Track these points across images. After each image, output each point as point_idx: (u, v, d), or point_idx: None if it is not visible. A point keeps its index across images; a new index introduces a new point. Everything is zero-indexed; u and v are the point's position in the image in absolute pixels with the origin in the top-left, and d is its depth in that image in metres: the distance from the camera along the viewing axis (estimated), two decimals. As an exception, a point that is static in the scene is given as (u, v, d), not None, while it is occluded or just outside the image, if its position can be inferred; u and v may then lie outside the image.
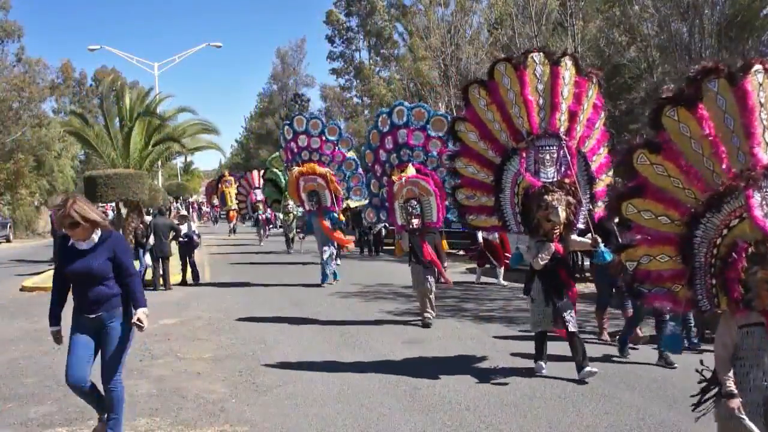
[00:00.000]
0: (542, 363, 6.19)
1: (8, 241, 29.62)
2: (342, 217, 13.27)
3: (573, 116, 5.91)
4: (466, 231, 20.30)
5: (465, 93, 6.36)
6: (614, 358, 6.75)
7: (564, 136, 5.85)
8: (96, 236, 4.30)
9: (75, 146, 46.92)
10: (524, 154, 5.91)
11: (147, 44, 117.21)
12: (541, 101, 5.88)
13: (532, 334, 6.45)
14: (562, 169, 5.90)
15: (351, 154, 13.16)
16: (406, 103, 9.29)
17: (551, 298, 5.98)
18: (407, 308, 10.03)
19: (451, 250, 20.29)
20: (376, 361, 6.76)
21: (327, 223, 12.55)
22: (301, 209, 16.64)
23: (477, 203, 6.52)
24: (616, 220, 6.93)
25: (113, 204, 20.97)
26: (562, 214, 5.70)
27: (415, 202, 8.55)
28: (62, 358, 7.07)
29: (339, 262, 14.26)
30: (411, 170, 8.72)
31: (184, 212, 14.28)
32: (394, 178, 8.77)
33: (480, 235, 12.74)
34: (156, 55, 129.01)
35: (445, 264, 8.89)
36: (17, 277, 14.73)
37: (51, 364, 6.85)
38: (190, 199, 56.91)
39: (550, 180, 5.84)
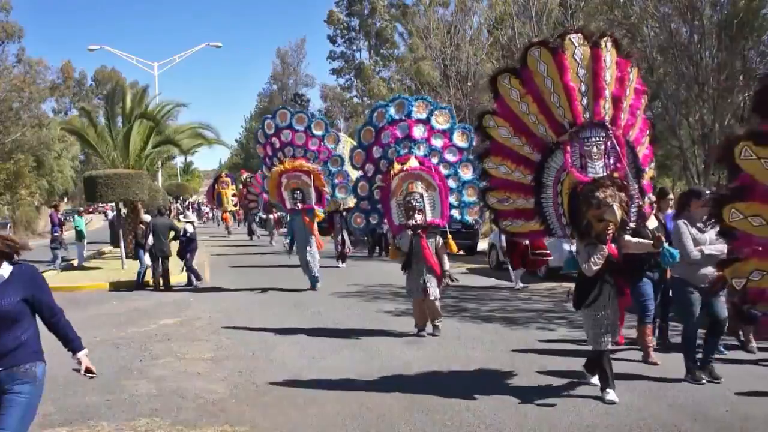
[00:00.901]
0: (613, 391, 5.29)
1: (8, 241, 29.57)
2: (320, 215, 12.41)
3: (617, 103, 5.39)
4: (466, 231, 20.27)
5: (493, 84, 5.78)
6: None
7: (610, 126, 5.32)
8: (5, 271, 3.36)
9: (75, 146, 47.05)
10: (568, 148, 5.33)
11: (147, 44, 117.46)
12: (583, 88, 5.32)
13: (530, 330, 6.44)
14: (611, 162, 5.33)
15: (340, 150, 12.65)
16: (406, 96, 8.67)
17: (609, 308, 5.33)
18: (406, 308, 10.01)
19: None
20: (376, 361, 6.76)
21: (314, 224, 11.93)
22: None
23: (512, 207, 5.95)
24: (653, 223, 6.57)
25: (113, 204, 21.07)
26: (618, 212, 5.10)
27: (419, 196, 7.85)
28: (62, 358, 7.09)
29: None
30: (414, 162, 8.01)
31: (192, 217, 14.13)
32: (393, 170, 8.02)
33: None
34: (156, 55, 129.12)
35: (447, 269, 8.10)
36: (17, 277, 14.69)
37: (51, 364, 6.81)
38: (190, 199, 56.96)
39: (600, 175, 5.27)
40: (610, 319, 5.34)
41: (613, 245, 5.28)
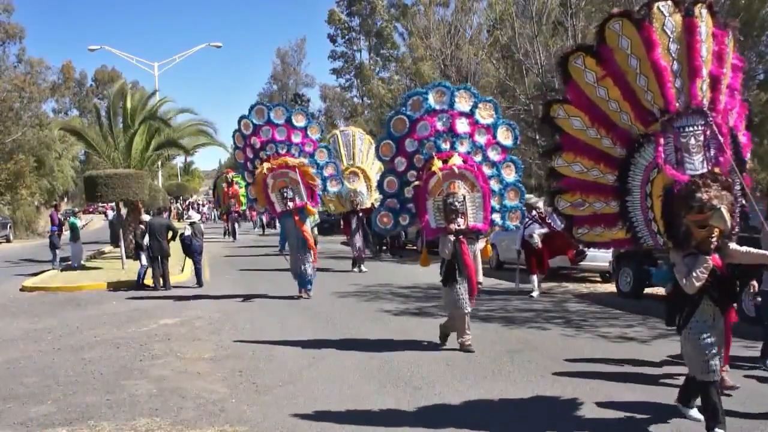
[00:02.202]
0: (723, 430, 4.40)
1: (8, 241, 29.64)
2: (313, 211, 11.24)
3: (715, 83, 4.51)
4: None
5: (563, 66, 4.90)
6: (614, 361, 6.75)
7: (709, 111, 4.44)
8: None
9: (75, 147, 47.06)
10: (660, 140, 4.46)
11: (147, 44, 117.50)
12: (676, 66, 4.44)
13: (530, 329, 6.44)
14: (712, 155, 4.44)
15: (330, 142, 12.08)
16: (446, 83, 7.70)
17: (715, 330, 4.48)
18: (407, 308, 10.03)
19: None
20: (375, 361, 6.76)
21: (306, 225, 10.74)
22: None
23: (589, 211, 5.14)
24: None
25: (113, 204, 21.09)
26: (728, 217, 4.22)
27: (462, 198, 6.98)
28: (62, 357, 7.11)
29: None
30: (457, 159, 7.13)
31: (195, 217, 14.02)
32: (434, 168, 7.05)
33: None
34: (156, 55, 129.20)
35: (481, 281, 7.43)
36: (17, 277, 14.73)
37: (51, 364, 6.86)
38: (190, 199, 56.96)
39: (700, 171, 4.39)
40: (717, 342, 4.46)
41: (716, 255, 4.42)
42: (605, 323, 8.77)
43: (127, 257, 16.30)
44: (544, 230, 11.00)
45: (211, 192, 43.02)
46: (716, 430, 4.38)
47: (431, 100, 7.31)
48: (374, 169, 15.59)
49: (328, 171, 11.32)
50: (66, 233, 17.14)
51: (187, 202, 49.83)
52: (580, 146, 5.00)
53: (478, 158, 7.34)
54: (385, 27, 43.90)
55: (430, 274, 14.30)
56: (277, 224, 24.45)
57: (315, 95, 79.87)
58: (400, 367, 6.52)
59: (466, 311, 7.09)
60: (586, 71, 4.78)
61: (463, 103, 7.34)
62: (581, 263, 12.89)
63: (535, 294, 10.93)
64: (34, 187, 35.86)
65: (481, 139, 7.39)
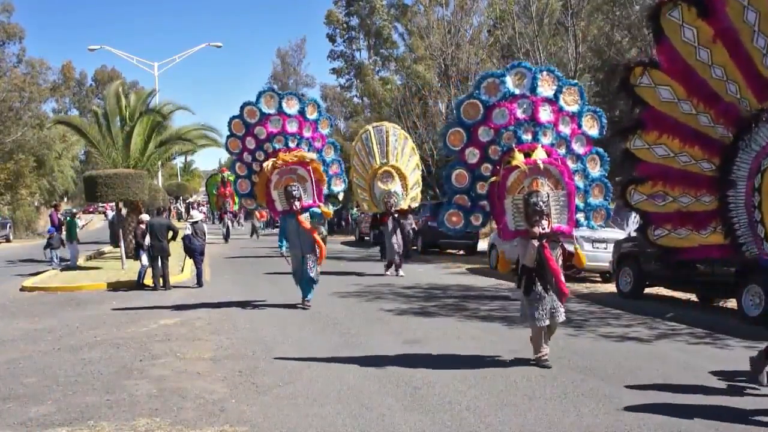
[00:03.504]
0: None
1: (8, 241, 29.65)
2: (329, 213, 10.58)
3: None
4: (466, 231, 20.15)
5: (655, 20, 3.96)
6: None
7: None
8: None
9: (76, 147, 47.08)
10: None
11: (147, 44, 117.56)
12: None
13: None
14: None
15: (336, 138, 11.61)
16: (526, 63, 6.75)
17: None
18: (407, 308, 10.03)
19: (451, 251, 20.38)
20: (376, 361, 6.75)
21: (308, 223, 9.72)
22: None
23: (673, 208, 4.29)
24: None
25: (113, 204, 21.08)
26: None
27: (545, 196, 6.11)
28: (62, 358, 7.10)
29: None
30: (541, 153, 6.27)
31: (197, 217, 13.96)
32: (515, 161, 6.19)
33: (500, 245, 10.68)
34: (156, 55, 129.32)
35: (566, 291, 6.50)
36: (17, 277, 14.73)
37: (51, 364, 6.85)
38: (190, 199, 56.97)
39: None
40: None
41: None
42: (605, 323, 8.77)
43: (127, 257, 16.30)
44: None
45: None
46: None
47: (510, 83, 6.38)
48: (410, 166, 14.82)
49: (333, 169, 10.61)
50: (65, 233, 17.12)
51: (186, 202, 49.83)
52: (669, 123, 4.08)
53: (562, 151, 6.49)
54: (385, 27, 43.88)
55: (431, 274, 14.38)
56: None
57: (315, 95, 79.96)
58: (400, 367, 6.51)
59: (544, 324, 6.33)
60: (684, 26, 3.78)
61: (546, 88, 6.41)
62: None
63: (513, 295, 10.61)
64: (34, 187, 35.91)
65: (565, 128, 6.54)
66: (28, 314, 10.18)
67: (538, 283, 6.26)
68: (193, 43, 76.76)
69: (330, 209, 10.67)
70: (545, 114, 6.36)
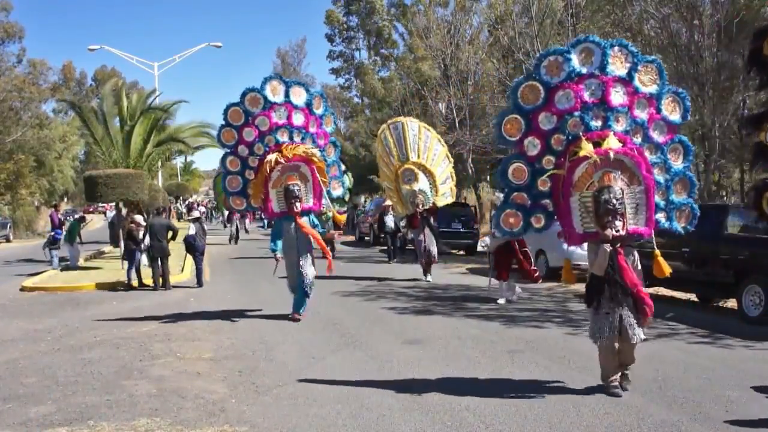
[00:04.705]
0: None
1: (8, 241, 29.66)
2: (340, 217, 9.94)
3: None
4: (465, 230, 20.04)
5: None
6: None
7: None
8: None
9: (75, 147, 47.13)
10: None
11: (147, 44, 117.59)
12: None
13: (530, 329, 6.41)
14: None
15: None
16: (594, 37, 5.73)
17: None
18: (407, 307, 10.03)
19: (451, 251, 20.38)
20: (376, 361, 6.76)
21: (309, 228, 8.91)
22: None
23: None
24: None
25: (113, 204, 21.10)
26: None
27: (620, 193, 5.27)
28: (62, 358, 7.10)
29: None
30: (614, 142, 5.40)
31: (196, 213, 13.88)
32: (583, 152, 5.36)
33: (489, 239, 10.48)
34: (156, 55, 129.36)
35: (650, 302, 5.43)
36: (17, 277, 14.72)
37: (51, 364, 6.85)
38: (190, 199, 56.98)
39: None
40: None
41: None
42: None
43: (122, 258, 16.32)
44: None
45: (212, 192, 43.00)
46: None
47: (575, 61, 5.56)
48: (436, 159, 13.44)
49: (332, 171, 9.65)
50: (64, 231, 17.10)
51: (187, 202, 49.81)
52: None
53: (638, 139, 5.62)
54: (385, 27, 43.89)
55: (431, 274, 14.38)
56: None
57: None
58: (400, 367, 6.51)
59: (610, 342, 5.41)
60: None
61: (618, 65, 5.58)
62: (579, 263, 12.80)
63: (501, 301, 10.31)
64: (34, 187, 35.94)
65: (641, 113, 5.65)
66: (28, 314, 10.18)
67: (608, 296, 5.35)
68: (193, 43, 76.75)
69: (335, 211, 10.09)
70: (618, 96, 5.56)
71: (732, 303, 9.69)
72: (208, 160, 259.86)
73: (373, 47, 46.71)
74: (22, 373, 6.58)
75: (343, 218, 9.91)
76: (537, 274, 10.71)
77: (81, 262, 16.94)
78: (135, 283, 12.82)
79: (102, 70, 67.04)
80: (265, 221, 30.76)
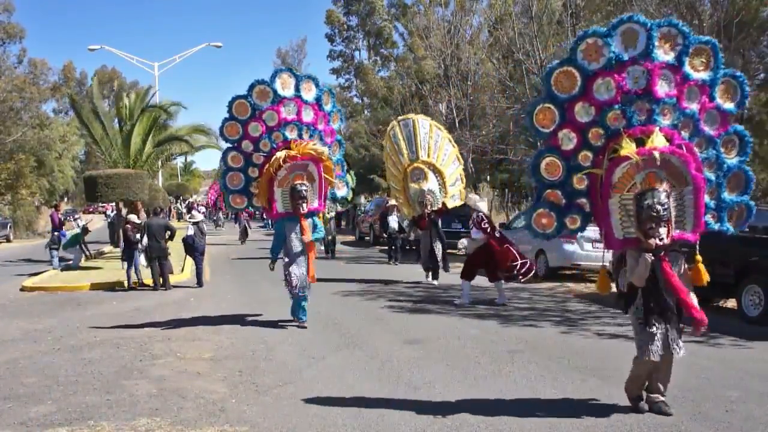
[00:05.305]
0: None
1: (8, 241, 29.66)
2: (325, 221, 9.76)
3: None
4: (466, 230, 20.01)
5: None
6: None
7: None
8: None
9: (76, 147, 47.14)
10: None
11: (147, 44, 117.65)
12: None
13: (530, 329, 6.41)
14: None
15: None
16: (639, 17, 5.00)
17: None
18: (407, 307, 10.03)
19: (451, 251, 20.34)
20: (376, 361, 6.76)
21: (310, 232, 8.43)
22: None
23: None
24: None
25: (113, 204, 21.12)
26: None
27: (665, 197, 4.69)
28: (62, 358, 7.10)
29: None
30: (659, 139, 4.78)
31: (198, 217, 13.85)
32: (625, 151, 4.76)
33: (475, 235, 10.23)
34: (156, 55, 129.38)
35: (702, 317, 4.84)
36: (17, 277, 14.72)
37: (51, 364, 6.85)
38: (190, 199, 57.00)
39: None
40: None
41: None
42: (605, 323, 8.77)
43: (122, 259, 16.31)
44: (480, 236, 10.09)
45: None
46: None
47: (617, 44, 4.93)
48: (447, 160, 13.09)
49: (336, 170, 9.23)
50: (68, 232, 17.08)
51: (187, 202, 49.83)
52: None
53: (687, 133, 4.99)
54: (385, 27, 43.91)
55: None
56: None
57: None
58: (400, 367, 6.51)
59: (656, 358, 4.88)
60: None
61: (666, 49, 4.91)
62: (579, 263, 12.83)
63: (457, 302, 10.18)
64: (34, 187, 35.92)
65: (692, 104, 4.98)
66: (28, 314, 10.18)
67: (658, 311, 4.86)
68: (193, 43, 76.84)
69: (331, 214, 9.68)
70: (665, 85, 4.89)
71: (732, 303, 9.69)
72: (208, 160, 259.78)
73: (373, 47, 46.72)
74: (22, 372, 6.58)
75: (326, 219, 9.42)
76: (527, 266, 9.92)
77: (81, 262, 16.95)
78: (135, 283, 12.82)
79: (102, 70, 67.05)
80: (269, 221, 30.60)
